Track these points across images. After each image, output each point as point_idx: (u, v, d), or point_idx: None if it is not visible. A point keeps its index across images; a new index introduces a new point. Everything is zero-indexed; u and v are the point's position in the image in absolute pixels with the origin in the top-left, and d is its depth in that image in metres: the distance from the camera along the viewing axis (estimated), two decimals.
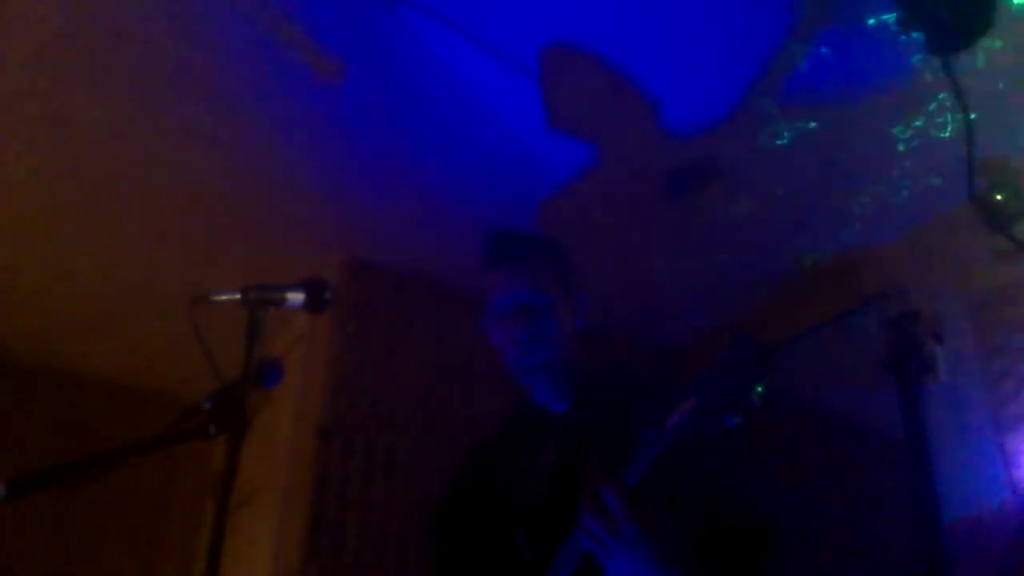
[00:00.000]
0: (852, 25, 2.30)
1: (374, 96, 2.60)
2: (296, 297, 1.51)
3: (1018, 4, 2.21)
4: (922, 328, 1.51)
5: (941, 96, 2.51)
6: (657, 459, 1.35)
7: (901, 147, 2.74)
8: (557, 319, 1.67)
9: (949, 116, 2.58)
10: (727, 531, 1.47)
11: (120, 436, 1.44)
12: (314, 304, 1.52)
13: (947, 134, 2.65)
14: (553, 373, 1.65)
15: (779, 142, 2.74)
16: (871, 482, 4.02)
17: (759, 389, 1.26)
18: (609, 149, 2.80)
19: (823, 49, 2.38)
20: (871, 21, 2.27)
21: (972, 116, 2.02)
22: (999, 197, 2.58)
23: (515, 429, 1.75)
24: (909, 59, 2.40)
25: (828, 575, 3.75)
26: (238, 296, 1.47)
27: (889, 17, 2.21)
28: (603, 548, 1.37)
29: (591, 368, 1.72)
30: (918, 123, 2.64)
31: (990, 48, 2.34)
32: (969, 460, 2.76)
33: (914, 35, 2.05)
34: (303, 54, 2.44)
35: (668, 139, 2.74)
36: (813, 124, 2.67)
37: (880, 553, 3.85)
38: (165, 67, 2.49)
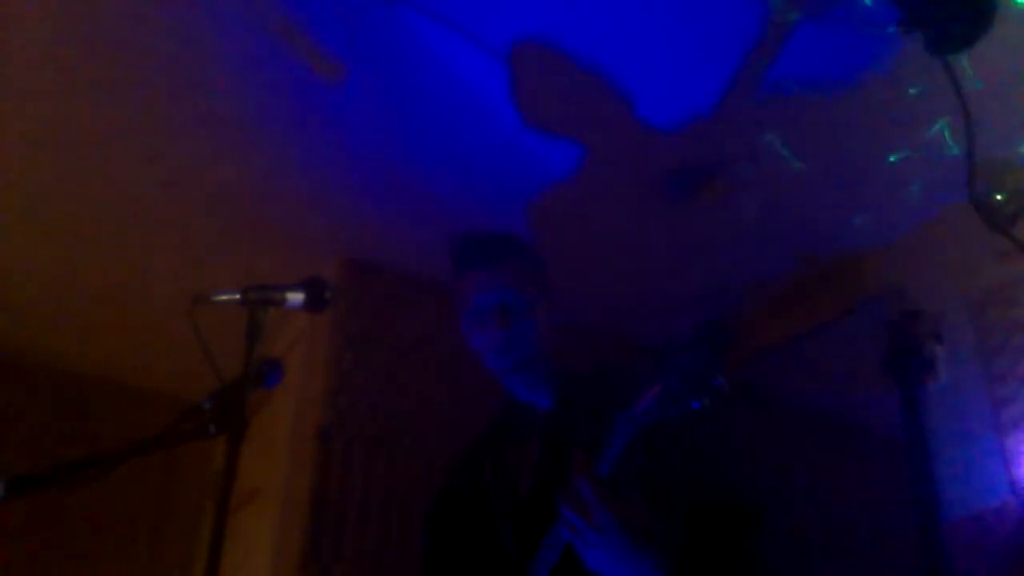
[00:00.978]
0: (843, 23, 2.30)
1: (374, 96, 2.60)
2: (296, 297, 1.51)
3: (1018, 2, 2.21)
4: (922, 328, 1.52)
5: (940, 95, 2.51)
6: (628, 446, 1.36)
7: (900, 147, 2.74)
8: (536, 317, 1.67)
9: (948, 115, 2.58)
10: (710, 517, 1.48)
11: (120, 436, 1.44)
12: (314, 304, 1.52)
13: (946, 134, 2.65)
14: (535, 371, 1.65)
15: (777, 141, 2.74)
16: (871, 482, 4.02)
17: (722, 372, 1.27)
18: (608, 148, 2.81)
19: (814, 47, 2.38)
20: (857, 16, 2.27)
21: (972, 116, 2.02)
22: (999, 197, 2.57)
23: (503, 427, 1.76)
24: (906, 56, 2.40)
25: (828, 574, 3.75)
26: (238, 296, 1.47)
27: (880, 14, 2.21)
28: (580, 537, 1.38)
29: (575, 364, 1.72)
30: (917, 122, 2.64)
31: (990, 47, 2.34)
32: (969, 460, 2.75)
33: (913, 34, 2.05)
34: (302, 54, 2.44)
35: (667, 138, 2.74)
36: (811, 123, 2.67)
37: (880, 553, 3.85)
38: (164, 68, 2.49)
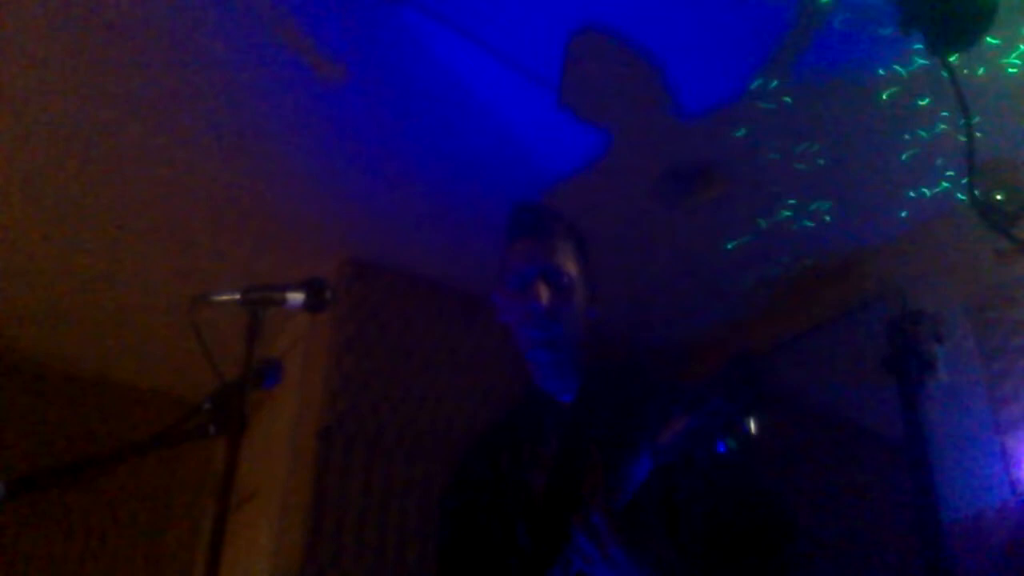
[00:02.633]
0: (848, 21, 2.30)
1: (375, 96, 2.60)
2: (296, 297, 1.50)
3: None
4: (922, 328, 1.51)
5: (940, 95, 2.51)
6: (648, 478, 1.34)
7: (901, 147, 2.74)
8: (575, 299, 1.64)
9: (949, 115, 2.58)
10: (738, 534, 1.46)
11: (120, 436, 1.44)
12: (314, 304, 1.52)
13: (947, 134, 2.65)
14: (564, 353, 1.62)
15: (779, 141, 2.74)
16: (871, 482, 4.02)
17: (752, 416, 1.24)
18: (610, 150, 2.81)
19: (814, 49, 2.38)
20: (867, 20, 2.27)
21: (972, 116, 2.02)
22: (999, 197, 2.58)
23: (521, 418, 1.74)
24: (907, 57, 2.40)
25: (828, 575, 3.75)
26: (238, 296, 1.47)
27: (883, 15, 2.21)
28: (592, 569, 1.37)
29: (599, 361, 1.70)
30: (918, 122, 2.64)
31: (990, 47, 2.35)
32: (969, 460, 2.75)
33: (913, 34, 2.05)
34: (304, 55, 2.44)
35: (667, 139, 2.75)
36: (813, 123, 2.67)
37: (880, 553, 3.85)
38: (165, 68, 2.49)
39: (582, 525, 1.37)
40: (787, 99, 2.55)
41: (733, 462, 1.49)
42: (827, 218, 3.07)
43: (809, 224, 3.11)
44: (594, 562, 1.35)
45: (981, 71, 2.42)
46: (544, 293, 1.61)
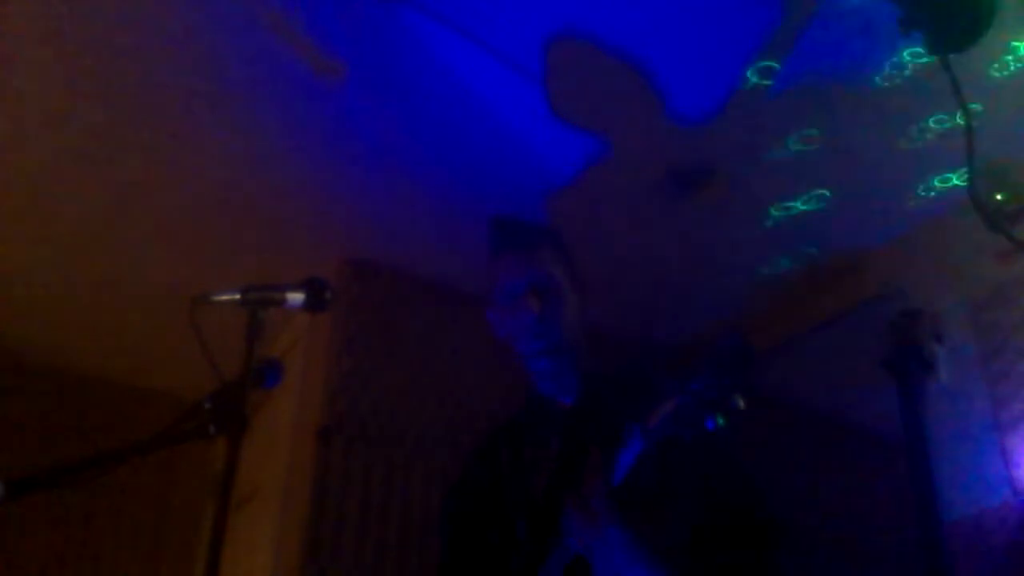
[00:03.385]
0: (844, 21, 2.30)
1: (374, 96, 2.61)
2: (296, 297, 1.50)
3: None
4: (922, 328, 1.51)
5: (940, 95, 2.51)
6: (639, 459, 1.35)
7: (901, 147, 2.74)
8: (566, 302, 1.67)
9: (948, 115, 2.58)
10: (727, 530, 1.47)
11: (120, 436, 1.44)
12: (314, 304, 1.52)
13: (947, 134, 2.65)
14: (564, 359, 1.64)
15: (779, 141, 2.74)
16: (871, 482, 4.02)
17: (740, 393, 1.25)
18: (611, 149, 2.81)
19: (816, 50, 2.38)
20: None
21: (972, 115, 2.02)
22: (999, 197, 2.57)
23: (524, 420, 1.75)
24: (906, 56, 2.40)
25: (828, 575, 3.75)
26: (238, 296, 1.47)
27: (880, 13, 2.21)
28: (588, 549, 1.37)
29: (599, 364, 1.71)
30: (917, 122, 2.64)
31: (990, 47, 2.34)
32: (969, 460, 2.75)
33: (913, 34, 2.05)
34: (303, 55, 2.44)
35: (668, 138, 2.75)
36: (812, 123, 2.67)
37: (880, 553, 3.85)
38: (165, 68, 2.49)
39: (578, 504, 1.38)
40: (786, 100, 2.55)
41: (724, 452, 1.50)
42: (827, 219, 3.07)
43: (809, 225, 3.11)
44: (589, 543, 1.36)
45: (981, 68, 2.42)
46: (535, 303, 1.63)
